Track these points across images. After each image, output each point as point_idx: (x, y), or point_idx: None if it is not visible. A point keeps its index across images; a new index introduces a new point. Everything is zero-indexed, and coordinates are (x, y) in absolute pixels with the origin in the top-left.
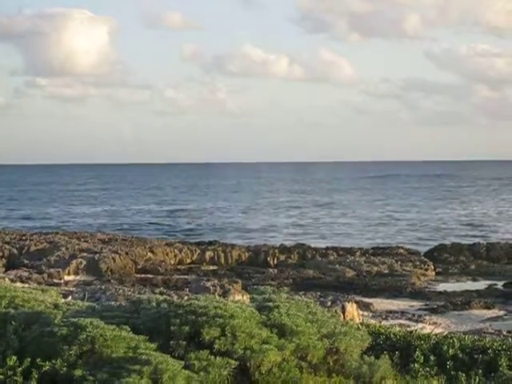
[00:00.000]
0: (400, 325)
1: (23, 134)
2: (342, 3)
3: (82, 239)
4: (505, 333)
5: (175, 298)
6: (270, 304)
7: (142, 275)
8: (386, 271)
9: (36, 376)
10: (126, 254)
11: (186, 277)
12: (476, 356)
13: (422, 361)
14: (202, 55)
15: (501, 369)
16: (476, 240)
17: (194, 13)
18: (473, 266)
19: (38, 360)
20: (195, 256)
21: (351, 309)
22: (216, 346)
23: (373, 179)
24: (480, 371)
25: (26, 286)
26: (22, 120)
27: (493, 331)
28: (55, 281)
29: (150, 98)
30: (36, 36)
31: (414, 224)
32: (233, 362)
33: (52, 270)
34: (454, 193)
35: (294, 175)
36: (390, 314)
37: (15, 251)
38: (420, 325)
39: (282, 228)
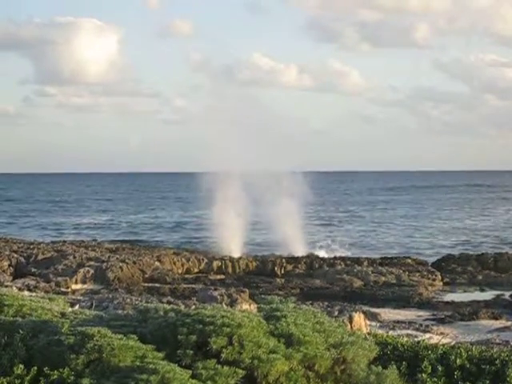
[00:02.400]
0: (407, 335)
1: (32, 143)
2: (352, 13)
3: (90, 248)
4: None
5: (182, 307)
6: (278, 313)
7: (150, 284)
8: (394, 281)
9: None
10: (134, 262)
11: (193, 286)
12: (483, 366)
13: (429, 371)
14: (210, 64)
15: (508, 379)
16: None
17: (202, 21)
18: (480, 277)
19: (45, 369)
20: (202, 265)
21: (358, 319)
22: (223, 355)
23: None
24: (487, 382)
25: (34, 294)
26: (32, 128)
27: (500, 342)
28: (62, 289)
29: (159, 106)
30: (45, 45)
31: None
32: (240, 371)
33: (59, 279)
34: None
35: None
36: (397, 324)
37: (23, 260)
38: (427, 335)
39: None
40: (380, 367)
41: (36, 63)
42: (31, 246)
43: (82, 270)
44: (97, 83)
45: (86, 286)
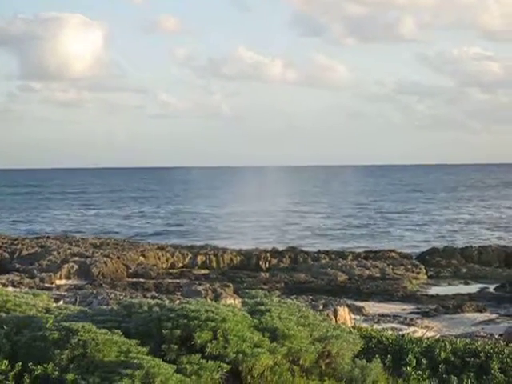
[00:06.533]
0: (392, 328)
1: (17, 138)
2: (338, 7)
3: (74, 243)
4: (496, 336)
5: (167, 301)
6: (262, 308)
7: (134, 279)
8: (378, 275)
9: (28, 380)
10: (118, 258)
11: (177, 281)
12: (468, 359)
13: (413, 364)
14: (196, 59)
15: (492, 372)
16: None
17: (188, 17)
18: (464, 270)
19: (29, 364)
20: (187, 260)
21: (343, 312)
22: (208, 350)
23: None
24: (472, 374)
25: (18, 290)
26: (17, 124)
27: (485, 334)
28: (47, 285)
29: (144, 101)
30: (30, 40)
31: None
32: (225, 365)
33: (44, 275)
34: None
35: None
36: (381, 317)
37: (7, 255)
38: (412, 328)
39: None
40: (364, 360)
41: (21, 59)
42: (15, 242)
43: (66, 266)
44: (82, 78)
45: (70, 281)
